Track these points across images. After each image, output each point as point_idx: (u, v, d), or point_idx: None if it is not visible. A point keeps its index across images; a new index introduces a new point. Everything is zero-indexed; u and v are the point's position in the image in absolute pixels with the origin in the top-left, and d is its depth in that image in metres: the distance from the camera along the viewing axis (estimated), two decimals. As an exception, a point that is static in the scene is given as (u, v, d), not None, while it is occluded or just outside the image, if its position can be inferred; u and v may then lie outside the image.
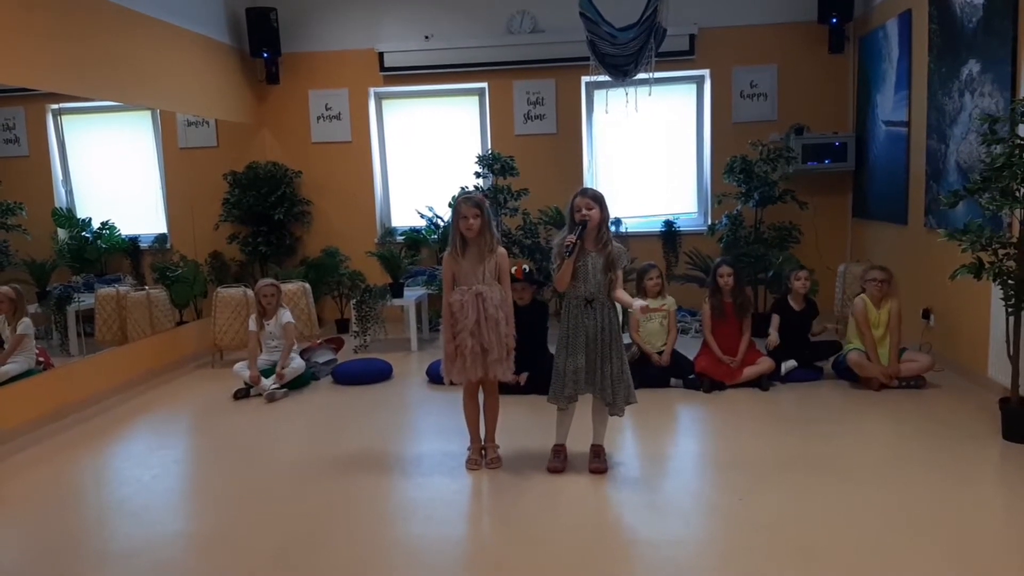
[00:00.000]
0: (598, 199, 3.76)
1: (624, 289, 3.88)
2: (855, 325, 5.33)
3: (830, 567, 2.94)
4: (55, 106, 5.38)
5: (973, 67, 5.05)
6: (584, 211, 3.73)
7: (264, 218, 7.61)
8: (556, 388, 3.86)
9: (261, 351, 5.76)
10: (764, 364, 5.36)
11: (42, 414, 4.97)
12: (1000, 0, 4.72)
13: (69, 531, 3.50)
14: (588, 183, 7.85)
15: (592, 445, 4.00)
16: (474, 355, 3.81)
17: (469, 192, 4.03)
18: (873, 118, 6.85)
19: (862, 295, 5.37)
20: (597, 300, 3.77)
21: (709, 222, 7.59)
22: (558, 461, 3.98)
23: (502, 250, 3.92)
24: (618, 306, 3.89)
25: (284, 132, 8.11)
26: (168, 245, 6.58)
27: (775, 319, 5.63)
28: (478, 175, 7.25)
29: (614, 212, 7.67)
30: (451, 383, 4.00)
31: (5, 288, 4.88)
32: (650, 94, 6.57)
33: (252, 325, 5.77)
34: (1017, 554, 3.01)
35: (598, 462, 3.94)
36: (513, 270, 5.35)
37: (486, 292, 3.81)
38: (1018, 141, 3.92)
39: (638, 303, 3.78)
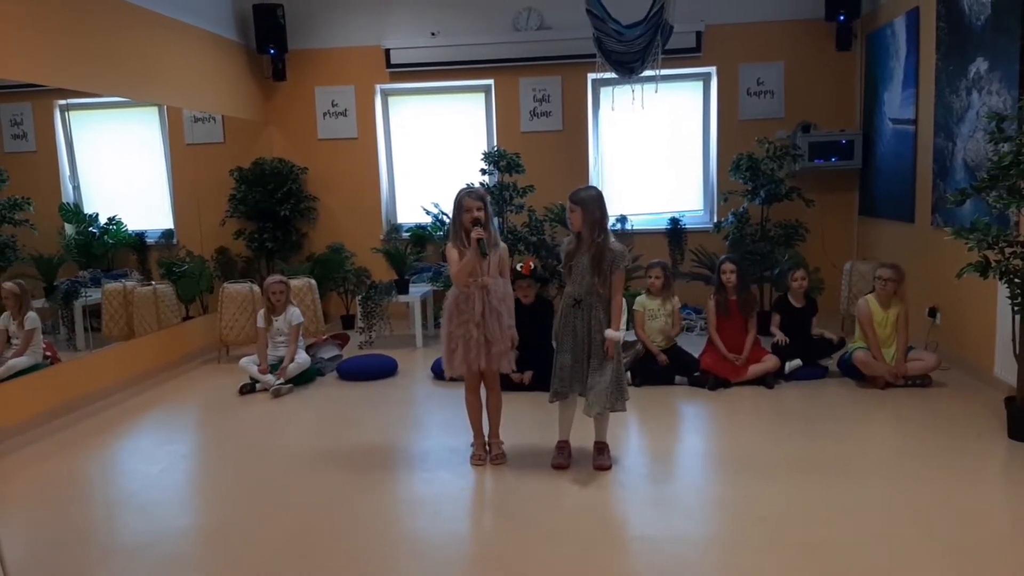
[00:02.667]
0: (580, 201, 3.75)
1: (626, 288, 3.90)
2: (859, 326, 5.32)
3: (835, 564, 2.94)
4: (63, 102, 5.40)
5: (981, 65, 5.04)
6: (567, 215, 3.80)
7: (270, 214, 7.62)
8: (552, 384, 3.91)
9: (268, 346, 5.78)
10: (769, 362, 5.35)
11: (49, 408, 4.99)
12: (1008, -3, 4.71)
13: (77, 525, 3.52)
14: (594, 180, 7.86)
15: (595, 442, 4.01)
16: (478, 346, 3.83)
17: (472, 187, 4.04)
18: (880, 116, 6.83)
19: (867, 296, 5.36)
20: (585, 301, 3.78)
21: (715, 220, 7.59)
22: (562, 457, 4.00)
23: (503, 244, 3.94)
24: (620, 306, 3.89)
25: (290, 128, 8.12)
26: (174, 241, 6.61)
27: (776, 318, 5.64)
28: (484, 172, 7.25)
29: (620, 209, 7.78)
30: (451, 378, 4.02)
31: (10, 284, 4.90)
32: (656, 91, 6.56)
33: (260, 321, 5.80)
34: (1022, 552, 3.01)
35: (602, 458, 3.95)
36: (519, 267, 5.37)
37: (491, 285, 3.84)
38: (1026, 139, 3.91)
39: (611, 333, 3.74)
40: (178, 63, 6.58)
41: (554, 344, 3.98)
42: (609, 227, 3.84)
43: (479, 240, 3.74)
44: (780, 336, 5.48)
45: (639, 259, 6.92)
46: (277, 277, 5.91)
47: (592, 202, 3.75)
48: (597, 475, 3.86)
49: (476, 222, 3.78)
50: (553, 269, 6.36)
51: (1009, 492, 3.65)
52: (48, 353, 5.14)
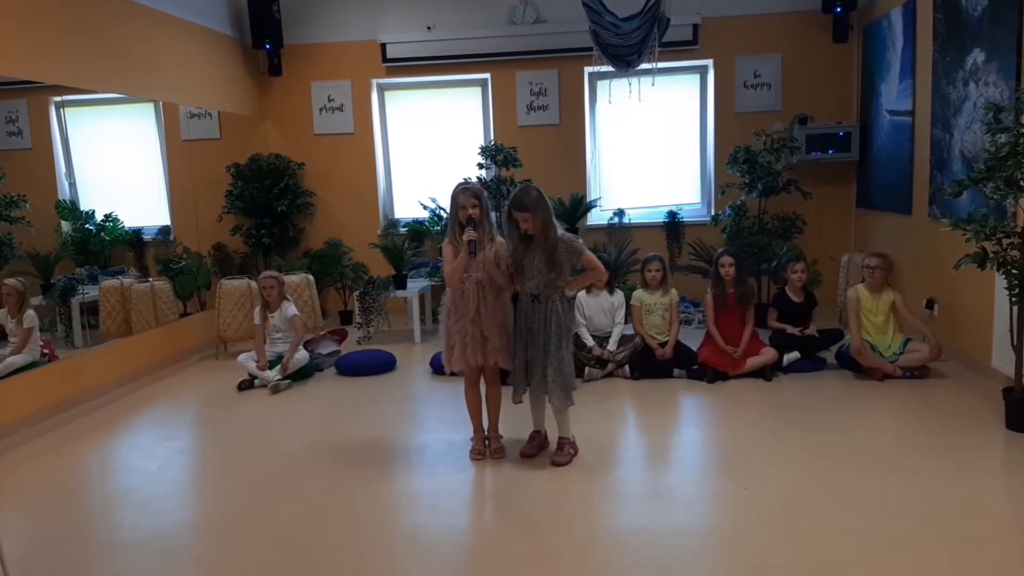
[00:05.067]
0: (530, 207, 3.68)
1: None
2: (851, 315, 5.34)
3: (834, 556, 2.94)
4: (58, 98, 5.39)
5: (978, 56, 5.03)
6: (520, 224, 3.75)
7: (267, 210, 7.61)
8: (513, 379, 3.97)
9: (266, 342, 5.78)
10: (767, 355, 5.36)
11: (47, 405, 4.99)
12: (1005, -12, 4.70)
13: (76, 520, 3.52)
14: (591, 174, 7.87)
15: (558, 437, 4.01)
16: (474, 341, 3.83)
17: (467, 183, 4.04)
18: (877, 107, 6.83)
19: (856, 285, 5.39)
20: (543, 295, 3.80)
21: (712, 212, 7.59)
22: (530, 446, 4.06)
23: (500, 239, 3.92)
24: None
25: (287, 124, 8.10)
26: (171, 237, 6.60)
27: (772, 313, 5.65)
28: (481, 166, 7.24)
29: (617, 203, 7.80)
30: (452, 373, 4.02)
31: (13, 281, 4.90)
32: (653, 84, 6.54)
33: (256, 318, 5.80)
34: (1020, 542, 3.02)
35: (560, 455, 3.93)
36: None
37: (485, 281, 3.83)
38: (1023, 130, 3.91)
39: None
40: (174, 59, 6.55)
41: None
42: (554, 220, 3.79)
43: (470, 242, 3.74)
44: (811, 329, 5.54)
45: (636, 253, 6.93)
46: (267, 272, 5.91)
47: (542, 203, 3.72)
48: (596, 469, 3.86)
49: (469, 220, 3.78)
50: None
51: (1008, 482, 3.66)
52: (46, 350, 5.14)
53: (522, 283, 3.83)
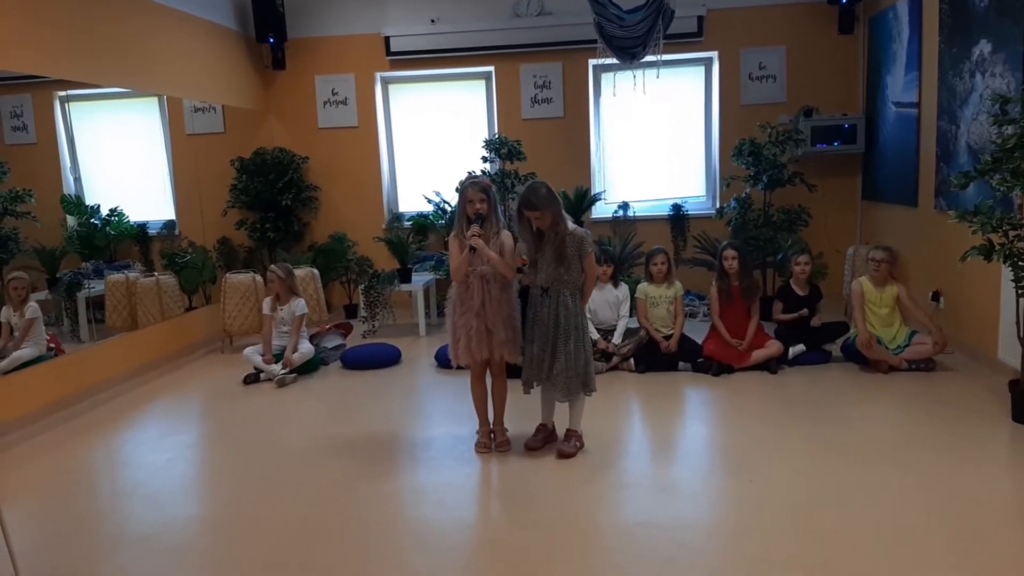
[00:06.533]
0: (542, 204, 3.71)
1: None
2: (855, 307, 5.33)
3: (840, 548, 2.94)
4: (62, 93, 5.39)
5: (984, 47, 5.00)
6: (533, 222, 3.79)
7: (272, 204, 7.61)
8: (524, 371, 3.97)
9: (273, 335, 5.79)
10: (772, 347, 5.35)
11: (54, 400, 5.01)
12: (1012, -22, 4.67)
13: (83, 515, 3.54)
14: (595, 167, 7.86)
15: (567, 429, 4.02)
16: (479, 335, 3.84)
17: (475, 176, 4.03)
18: (883, 99, 6.80)
19: (860, 278, 5.38)
20: (552, 288, 3.81)
21: (718, 205, 7.57)
22: (535, 440, 4.07)
23: (507, 233, 3.92)
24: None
25: (290, 118, 8.10)
26: (176, 231, 6.61)
27: (778, 306, 5.64)
28: (485, 160, 7.23)
29: (622, 196, 7.78)
30: (458, 366, 4.03)
31: (23, 274, 4.92)
32: (658, 76, 6.52)
33: (266, 308, 5.81)
34: (1026, 535, 3.02)
35: (567, 445, 3.96)
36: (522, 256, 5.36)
37: (490, 275, 3.83)
38: (1030, 121, 3.89)
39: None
40: (178, 53, 6.55)
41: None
42: (564, 213, 3.83)
43: (474, 241, 3.74)
44: (795, 315, 5.50)
45: (641, 246, 6.92)
46: (272, 266, 5.91)
47: (552, 199, 3.74)
48: (601, 462, 3.87)
49: (478, 215, 3.78)
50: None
51: (1014, 475, 3.65)
52: (52, 345, 5.15)
53: (534, 276, 3.84)
